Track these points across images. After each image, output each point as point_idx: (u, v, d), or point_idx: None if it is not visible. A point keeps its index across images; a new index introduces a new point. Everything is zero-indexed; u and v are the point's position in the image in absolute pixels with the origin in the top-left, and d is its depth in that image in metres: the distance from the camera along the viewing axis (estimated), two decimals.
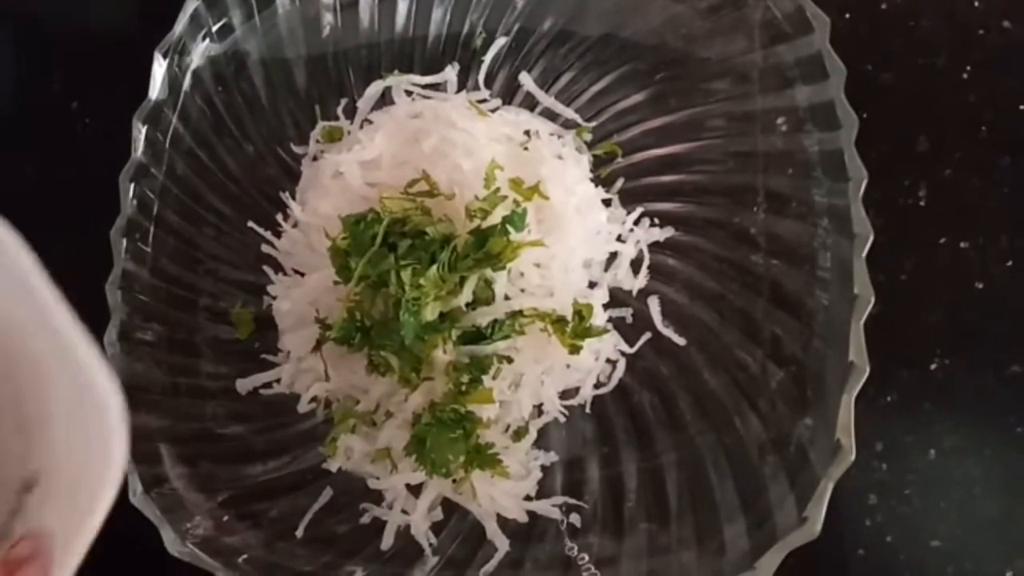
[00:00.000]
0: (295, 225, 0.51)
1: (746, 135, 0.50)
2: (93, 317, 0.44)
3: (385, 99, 0.54)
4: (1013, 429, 0.48)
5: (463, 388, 0.43)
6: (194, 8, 0.51)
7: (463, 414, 0.43)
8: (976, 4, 0.55)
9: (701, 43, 0.52)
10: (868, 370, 0.39)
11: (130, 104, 0.49)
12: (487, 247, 0.43)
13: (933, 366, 0.49)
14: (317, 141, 0.54)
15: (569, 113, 0.53)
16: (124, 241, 0.47)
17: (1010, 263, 0.50)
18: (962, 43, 0.55)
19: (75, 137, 0.60)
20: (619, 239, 0.50)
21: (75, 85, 0.61)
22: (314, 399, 0.48)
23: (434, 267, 0.43)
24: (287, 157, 0.54)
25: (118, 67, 0.52)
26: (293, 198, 0.52)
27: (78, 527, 0.28)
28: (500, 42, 0.55)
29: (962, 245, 0.51)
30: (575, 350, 0.45)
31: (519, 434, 0.47)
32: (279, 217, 0.52)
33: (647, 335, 0.49)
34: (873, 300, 0.40)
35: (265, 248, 0.52)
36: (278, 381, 0.49)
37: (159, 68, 0.50)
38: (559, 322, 0.45)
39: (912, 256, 0.51)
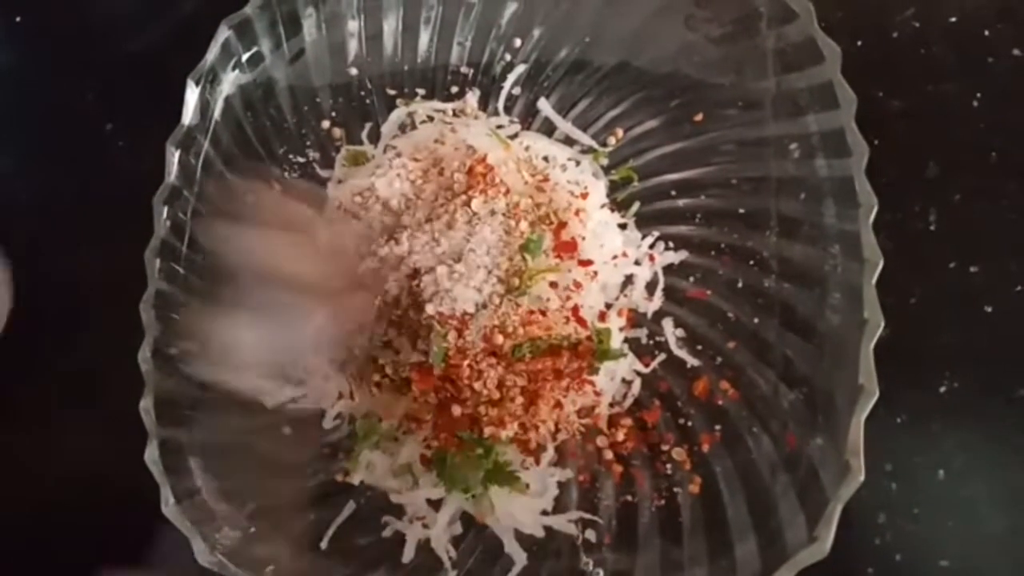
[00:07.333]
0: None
1: (759, 160, 0.50)
2: (127, 334, 0.47)
3: (408, 124, 0.56)
4: (1021, 451, 0.48)
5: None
6: (225, 37, 0.52)
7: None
8: (986, 32, 0.56)
9: (715, 71, 0.53)
10: (877, 393, 0.40)
11: (162, 127, 0.51)
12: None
13: (942, 388, 0.49)
14: (342, 165, 0.55)
15: (586, 139, 0.55)
16: (157, 262, 0.48)
17: (1019, 287, 0.51)
18: (972, 70, 0.55)
19: (109, 158, 0.62)
20: (635, 262, 0.51)
21: (109, 108, 0.64)
22: (339, 415, 0.49)
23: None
24: (313, 181, 0.55)
25: (151, 91, 0.54)
26: None
27: None
28: (519, 69, 0.56)
29: (971, 269, 0.51)
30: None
31: (537, 452, 0.47)
32: None
33: (662, 356, 0.50)
34: (883, 324, 0.41)
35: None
36: (304, 396, 0.50)
37: (191, 95, 0.51)
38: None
39: (922, 280, 0.51)
